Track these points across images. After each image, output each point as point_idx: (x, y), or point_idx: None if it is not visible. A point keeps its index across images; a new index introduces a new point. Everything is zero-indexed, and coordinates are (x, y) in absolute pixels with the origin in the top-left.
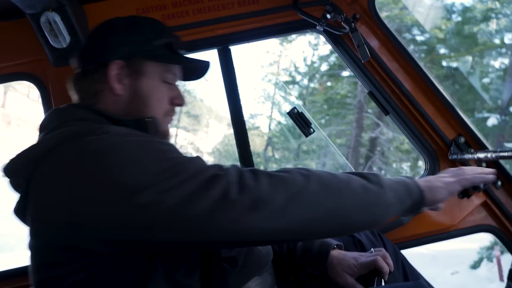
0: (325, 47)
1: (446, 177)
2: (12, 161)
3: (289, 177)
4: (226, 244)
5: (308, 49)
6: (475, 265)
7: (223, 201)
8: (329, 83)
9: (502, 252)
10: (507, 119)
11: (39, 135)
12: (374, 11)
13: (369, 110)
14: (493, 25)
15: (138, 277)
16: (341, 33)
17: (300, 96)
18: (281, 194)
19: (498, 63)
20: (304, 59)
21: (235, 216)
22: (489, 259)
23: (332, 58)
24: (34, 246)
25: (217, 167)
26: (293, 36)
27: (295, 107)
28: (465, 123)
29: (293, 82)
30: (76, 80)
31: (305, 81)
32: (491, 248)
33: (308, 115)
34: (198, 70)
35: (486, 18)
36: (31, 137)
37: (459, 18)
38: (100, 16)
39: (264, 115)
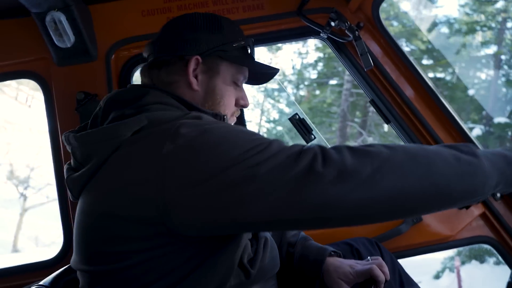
0: (314, 55)
1: None
2: (93, 133)
3: (372, 149)
4: (314, 220)
5: (296, 57)
6: (438, 275)
7: (310, 173)
8: (317, 92)
9: (463, 263)
10: (491, 130)
11: (114, 110)
12: (378, 20)
13: (356, 120)
14: (478, 38)
15: (201, 262)
16: (345, 41)
17: (288, 104)
18: (366, 165)
19: (484, 74)
20: (293, 67)
21: (323, 187)
22: (451, 269)
23: (319, 67)
24: (100, 218)
25: (300, 145)
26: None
27: (296, 113)
28: (465, 133)
29: (282, 90)
30: (148, 68)
31: (289, 90)
32: (453, 259)
33: (309, 121)
34: (264, 75)
35: (471, 30)
36: (17, 140)
37: (444, 30)
38: (105, 17)
39: (253, 122)
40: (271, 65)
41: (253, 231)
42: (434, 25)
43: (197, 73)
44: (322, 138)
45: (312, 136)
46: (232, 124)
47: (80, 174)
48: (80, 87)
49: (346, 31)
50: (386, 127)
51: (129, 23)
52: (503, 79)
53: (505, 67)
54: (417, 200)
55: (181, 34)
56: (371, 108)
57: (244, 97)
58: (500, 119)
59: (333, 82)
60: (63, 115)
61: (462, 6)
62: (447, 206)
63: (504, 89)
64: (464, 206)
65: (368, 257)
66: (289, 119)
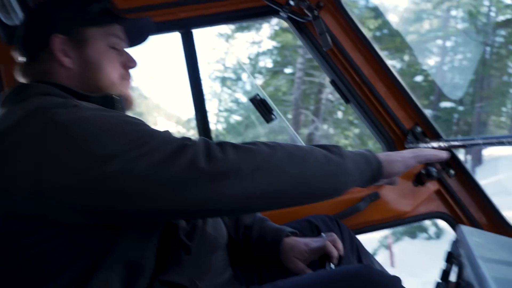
0: (269, 44)
1: (404, 153)
2: None
3: (254, 148)
4: (194, 213)
5: (252, 46)
6: (374, 253)
7: (191, 169)
8: (274, 80)
9: (395, 240)
10: (438, 114)
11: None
12: (336, 1)
13: (311, 107)
14: (426, 25)
15: (100, 251)
16: (304, 20)
17: (245, 93)
18: (247, 163)
19: (432, 61)
20: (248, 57)
21: (203, 183)
22: (386, 247)
23: (273, 56)
24: None
25: (184, 138)
26: (238, 33)
27: (257, 94)
28: (422, 113)
29: (238, 79)
30: (23, 69)
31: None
32: (386, 237)
33: (270, 101)
34: (141, 32)
35: (418, 19)
36: None
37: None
38: None
39: (211, 112)
40: (227, 54)
41: (138, 221)
42: (381, 13)
43: (68, 51)
44: (282, 118)
45: (273, 116)
46: (126, 89)
47: None
48: None
49: (305, 11)
50: (340, 114)
51: None
52: (449, 65)
53: (450, 53)
54: (288, 196)
55: (36, 21)
56: (323, 95)
57: (129, 59)
58: (446, 104)
59: (288, 70)
60: None
61: None
62: (313, 201)
63: (449, 75)
64: (418, 183)
65: (322, 233)
66: (250, 99)
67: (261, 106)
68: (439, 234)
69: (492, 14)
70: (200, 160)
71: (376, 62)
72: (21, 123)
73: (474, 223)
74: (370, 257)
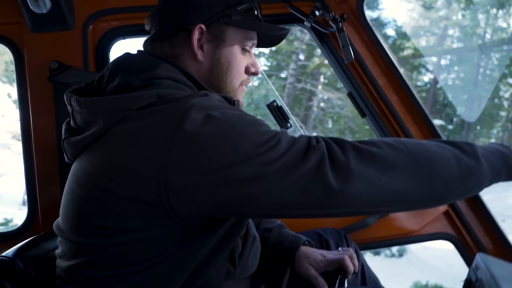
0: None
1: None
2: (97, 101)
3: (377, 152)
4: (316, 215)
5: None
6: None
7: (318, 174)
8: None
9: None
10: None
11: (121, 74)
12: (361, 13)
13: (300, 114)
14: (422, 42)
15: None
16: (328, 31)
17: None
18: (371, 168)
19: (426, 77)
20: None
21: (329, 188)
22: None
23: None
24: (94, 190)
25: (307, 137)
26: None
27: (274, 100)
28: (436, 132)
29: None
30: (151, 42)
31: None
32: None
33: (286, 109)
34: (274, 37)
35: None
36: None
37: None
38: None
39: None
40: None
41: (254, 218)
42: (378, 26)
43: (202, 43)
44: (297, 126)
45: (289, 124)
46: (240, 96)
47: (79, 139)
48: (54, 56)
49: (329, 22)
50: (330, 122)
51: None
52: (442, 83)
53: (444, 72)
54: (416, 201)
55: (182, 2)
56: (314, 103)
57: (254, 63)
58: (436, 121)
59: (283, 75)
60: (35, 84)
61: (410, 10)
62: (441, 204)
63: (441, 93)
64: None
65: (340, 248)
66: (267, 105)
67: (278, 113)
68: (402, 252)
69: (488, 36)
70: (325, 164)
71: (395, 78)
72: (154, 109)
73: (480, 248)
74: (373, 275)
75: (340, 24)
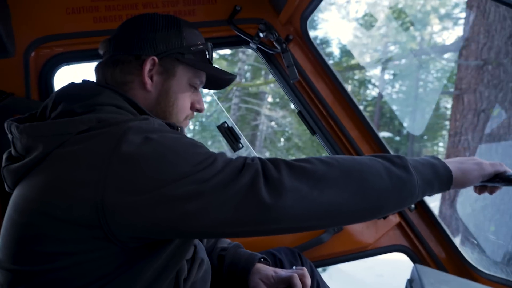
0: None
1: (480, 160)
2: (36, 126)
3: (309, 167)
4: (253, 232)
5: None
6: None
7: (252, 190)
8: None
9: None
10: None
11: (64, 103)
12: (305, 33)
13: (246, 133)
14: (367, 59)
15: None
16: (273, 52)
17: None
18: (303, 183)
19: (374, 92)
20: None
21: (263, 204)
22: None
23: None
24: (32, 215)
25: (243, 157)
26: None
27: (225, 122)
28: (384, 147)
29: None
30: (103, 66)
31: None
32: None
33: (238, 130)
34: (221, 81)
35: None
36: None
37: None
38: (26, 12)
39: None
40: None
41: (192, 238)
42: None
43: (153, 74)
44: (249, 146)
45: (240, 144)
46: (185, 128)
47: (18, 166)
48: None
49: (274, 43)
50: (282, 141)
51: (52, 20)
52: (387, 97)
53: (389, 86)
54: (350, 214)
55: (139, 33)
56: (260, 122)
57: (199, 101)
58: (384, 134)
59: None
60: None
61: (354, 29)
62: (377, 217)
63: (387, 106)
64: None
65: (294, 267)
66: (218, 127)
67: (229, 134)
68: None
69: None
70: (259, 181)
71: (341, 95)
72: (93, 132)
73: (433, 257)
74: None
75: (284, 45)
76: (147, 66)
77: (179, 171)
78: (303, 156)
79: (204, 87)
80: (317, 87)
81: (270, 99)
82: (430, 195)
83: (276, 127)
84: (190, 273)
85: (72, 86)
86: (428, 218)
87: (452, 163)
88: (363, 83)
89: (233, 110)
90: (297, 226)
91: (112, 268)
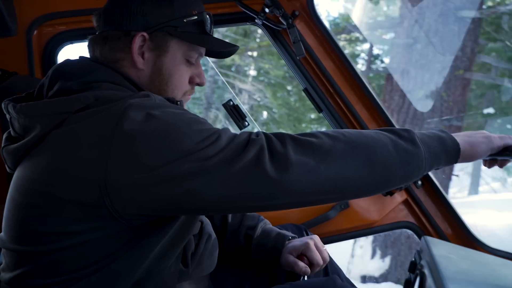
0: None
1: (489, 133)
2: (34, 106)
3: (315, 141)
4: (260, 207)
5: None
6: None
7: (257, 166)
8: None
9: None
10: None
11: (60, 81)
12: (312, 9)
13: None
14: None
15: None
16: (279, 28)
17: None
18: (309, 157)
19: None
20: None
21: (269, 179)
22: None
23: None
24: (35, 196)
25: (248, 133)
26: None
27: (230, 100)
28: (392, 125)
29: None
30: (93, 43)
31: None
32: None
33: (243, 107)
34: (221, 53)
35: None
36: None
37: None
38: None
39: None
40: None
41: (198, 215)
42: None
43: (144, 51)
44: (255, 124)
45: (246, 122)
46: (185, 104)
47: (17, 146)
48: None
49: (280, 19)
50: (265, 115)
51: None
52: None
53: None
54: (356, 187)
55: (128, 6)
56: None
57: (199, 74)
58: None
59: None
60: None
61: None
62: (384, 190)
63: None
64: (387, 193)
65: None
66: (223, 105)
67: (234, 112)
68: None
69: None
70: (264, 156)
71: (349, 72)
72: (92, 110)
73: (439, 234)
74: (336, 267)
75: (290, 20)
76: (136, 44)
77: (183, 148)
78: (281, 130)
79: (208, 56)
80: (324, 64)
81: (252, 72)
82: (438, 168)
83: (254, 102)
84: (197, 247)
85: (67, 63)
86: (435, 195)
87: (460, 136)
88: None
89: (208, 83)
90: (304, 201)
91: (118, 246)
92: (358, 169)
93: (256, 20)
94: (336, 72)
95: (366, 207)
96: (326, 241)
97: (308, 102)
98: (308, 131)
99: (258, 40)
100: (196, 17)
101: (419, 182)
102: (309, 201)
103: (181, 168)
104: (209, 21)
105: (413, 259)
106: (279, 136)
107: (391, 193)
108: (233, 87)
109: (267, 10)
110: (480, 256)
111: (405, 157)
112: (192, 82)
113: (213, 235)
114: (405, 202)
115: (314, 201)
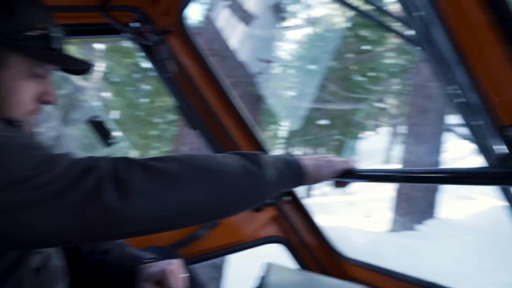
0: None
1: (334, 158)
2: None
3: (162, 166)
4: (104, 237)
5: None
6: None
7: (96, 193)
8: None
9: None
10: None
11: None
12: (183, 26)
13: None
14: None
15: None
16: (149, 43)
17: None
18: (155, 183)
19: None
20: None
21: (111, 207)
22: None
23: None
24: None
25: (89, 158)
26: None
27: (97, 115)
28: (264, 145)
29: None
30: None
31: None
32: None
33: (109, 123)
34: (74, 69)
35: None
36: None
37: None
38: None
39: None
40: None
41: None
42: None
43: None
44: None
45: (111, 140)
46: (32, 124)
47: None
48: None
49: (151, 34)
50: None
51: None
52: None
53: None
54: (205, 212)
55: None
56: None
57: (47, 92)
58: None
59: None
60: None
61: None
62: (233, 214)
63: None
64: (257, 209)
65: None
66: (88, 121)
67: (100, 128)
68: None
69: None
70: (105, 182)
71: (220, 91)
72: None
73: (306, 246)
74: (202, 285)
75: (161, 37)
76: None
77: (12, 177)
78: (123, 130)
79: (63, 71)
80: (196, 82)
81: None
82: (285, 190)
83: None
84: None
85: None
86: (301, 210)
87: (306, 160)
88: None
89: None
90: (154, 228)
91: None
92: (206, 194)
93: (124, 34)
94: (208, 91)
95: (236, 223)
96: (196, 261)
97: (157, 105)
98: (155, 133)
99: None
100: (40, 32)
101: (286, 198)
102: (159, 228)
103: (8, 199)
104: (58, 36)
105: (257, 284)
106: (125, 160)
107: (258, 210)
108: (71, 82)
109: (136, 24)
110: (316, 281)
111: (253, 180)
112: (38, 100)
113: (56, 264)
114: (275, 218)
115: (161, 228)
